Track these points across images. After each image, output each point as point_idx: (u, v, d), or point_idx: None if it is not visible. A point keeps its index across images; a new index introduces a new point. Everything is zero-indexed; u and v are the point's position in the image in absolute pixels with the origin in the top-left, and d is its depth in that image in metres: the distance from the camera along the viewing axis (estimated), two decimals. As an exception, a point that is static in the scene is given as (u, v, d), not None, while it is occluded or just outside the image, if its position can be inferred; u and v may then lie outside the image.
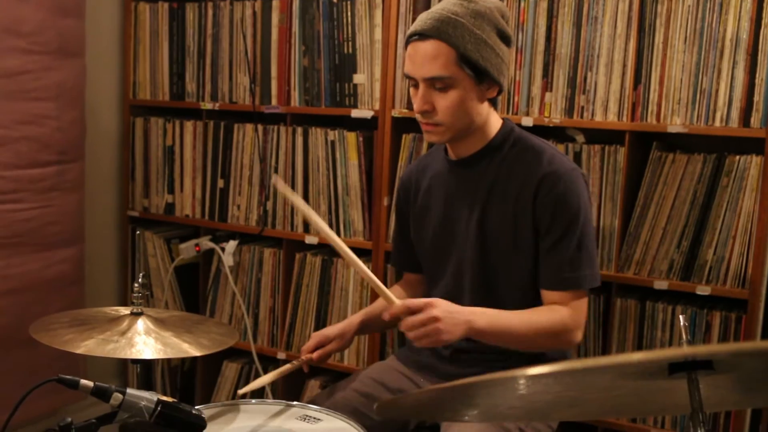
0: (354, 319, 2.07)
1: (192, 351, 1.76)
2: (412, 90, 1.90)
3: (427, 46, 1.80)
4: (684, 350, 0.94)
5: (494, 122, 1.94)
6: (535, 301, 1.90)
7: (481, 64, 1.81)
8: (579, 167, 1.91)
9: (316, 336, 2.01)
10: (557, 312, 1.83)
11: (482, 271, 1.93)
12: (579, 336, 1.85)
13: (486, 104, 1.89)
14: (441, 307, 1.68)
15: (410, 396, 1.43)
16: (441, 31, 1.79)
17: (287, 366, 1.96)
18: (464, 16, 1.80)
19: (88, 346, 1.70)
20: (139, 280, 1.88)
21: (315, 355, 1.98)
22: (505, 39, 1.87)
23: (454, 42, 1.78)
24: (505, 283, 1.92)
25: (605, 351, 2.36)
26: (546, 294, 1.87)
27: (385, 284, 2.50)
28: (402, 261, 2.20)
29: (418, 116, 1.89)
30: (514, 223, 1.88)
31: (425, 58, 1.81)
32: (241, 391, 1.81)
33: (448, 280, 1.99)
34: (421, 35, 1.81)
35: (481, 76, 1.83)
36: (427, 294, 2.08)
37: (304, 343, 2.04)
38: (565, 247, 1.83)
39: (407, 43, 1.86)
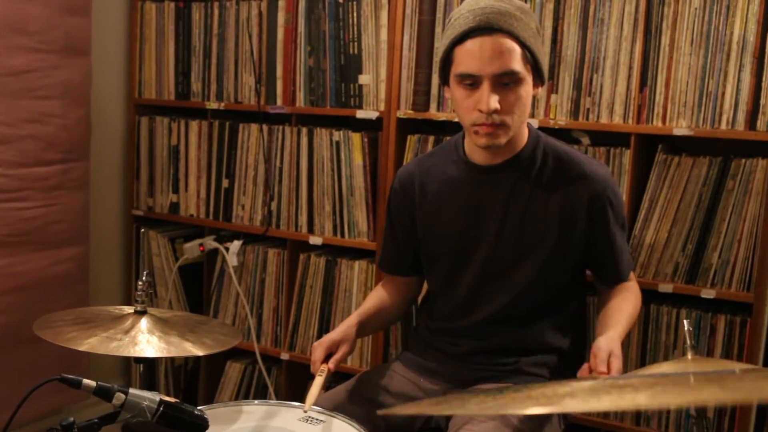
0: (351, 321, 1.98)
1: (195, 350, 1.76)
2: (463, 92, 1.79)
3: (496, 40, 1.73)
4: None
5: (525, 126, 1.91)
6: (566, 297, 1.97)
7: (539, 57, 1.80)
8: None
9: (324, 344, 1.89)
10: (634, 291, 1.99)
11: (518, 275, 1.92)
12: None
13: None
14: (614, 351, 1.69)
15: (410, 408, 1.41)
16: (508, 23, 1.73)
17: (320, 379, 1.83)
18: (515, 11, 1.76)
19: (92, 343, 1.70)
20: (143, 278, 1.87)
21: (331, 365, 1.87)
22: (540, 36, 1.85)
23: (521, 35, 1.74)
24: (541, 285, 1.92)
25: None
26: (605, 287, 2.01)
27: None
28: (391, 264, 2.14)
29: (476, 117, 1.78)
30: (558, 231, 1.89)
31: (495, 53, 1.73)
32: (307, 408, 1.71)
33: (471, 283, 1.96)
34: (485, 29, 1.73)
35: (536, 71, 1.81)
36: (435, 295, 2.07)
37: (308, 343, 2.01)
38: (624, 245, 1.98)
39: (461, 40, 1.77)
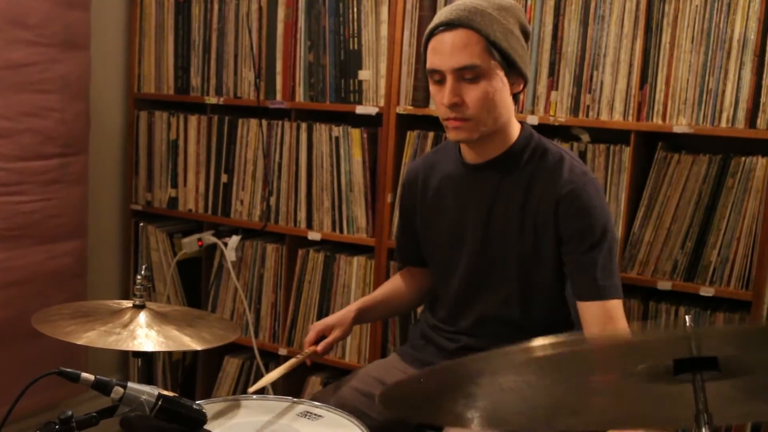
0: (351, 307, 2.06)
1: (193, 345, 1.76)
2: (434, 87, 1.84)
3: (456, 36, 1.76)
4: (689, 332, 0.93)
5: (515, 125, 1.90)
6: (554, 300, 1.90)
7: (510, 53, 1.78)
8: (594, 176, 1.89)
9: (317, 326, 2.01)
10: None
11: (503, 275, 1.92)
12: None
13: (511, 100, 1.86)
14: None
15: (411, 381, 1.40)
16: (469, 19, 1.75)
17: (293, 360, 1.94)
18: (489, 7, 1.78)
19: (90, 337, 1.69)
20: (142, 272, 1.87)
21: (320, 347, 1.97)
22: (526, 35, 1.85)
23: (484, 29, 1.75)
24: (526, 286, 1.91)
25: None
26: (583, 306, 1.82)
27: (387, 278, 2.50)
28: (406, 255, 2.19)
29: (444, 112, 1.82)
30: (534, 232, 1.87)
31: (454, 48, 1.76)
32: (252, 389, 1.78)
33: (462, 281, 1.97)
34: (449, 25, 1.77)
35: (509, 67, 1.80)
36: (434, 291, 2.08)
37: (306, 339, 2.02)
38: (596, 257, 1.80)
39: (430, 36, 1.82)
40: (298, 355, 1.97)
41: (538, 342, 0.99)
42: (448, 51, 1.77)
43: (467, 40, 1.76)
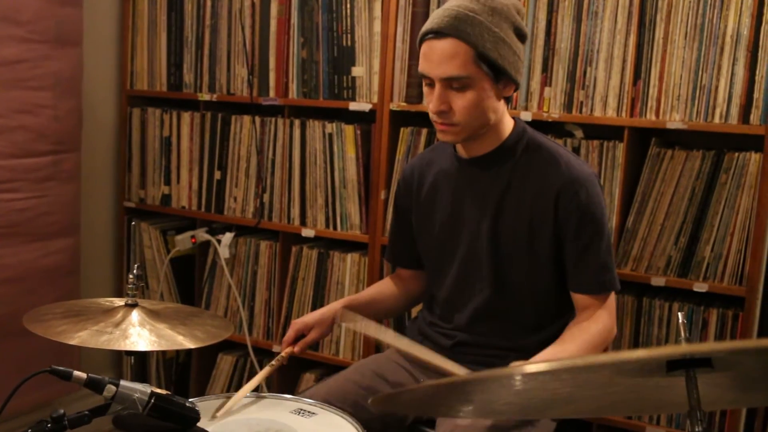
0: (334, 305, 2.05)
1: (187, 343, 1.75)
2: (426, 89, 1.85)
3: (444, 45, 1.75)
4: (683, 348, 0.93)
5: (507, 122, 1.91)
6: (548, 294, 1.91)
7: (499, 62, 1.77)
8: (592, 169, 1.90)
9: (296, 324, 2.00)
10: (600, 321, 1.85)
11: (495, 270, 1.92)
12: (616, 330, 1.91)
13: (502, 102, 1.87)
14: None
15: (405, 392, 1.42)
16: (458, 29, 1.74)
17: (268, 368, 1.91)
18: (481, 13, 1.76)
19: (82, 337, 1.69)
20: (134, 271, 1.86)
21: (297, 348, 1.97)
22: (521, 36, 1.83)
23: (473, 40, 1.74)
24: (519, 281, 1.91)
25: (601, 347, 2.35)
26: (579, 297, 1.88)
27: (381, 277, 2.51)
28: (396, 256, 2.19)
29: (433, 116, 1.84)
30: (529, 226, 1.87)
31: (442, 58, 1.76)
32: (220, 413, 1.69)
33: (456, 277, 1.98)
34: (438, 33, 1.76)
35: (499, 75, 1.80)
36: (430, 289, 2.08)
37: (285, 337, 2.02)
38: (595, 252, 1.84)
39: (422, 40, 1.81)
40: (273, 362, 1.93)
41: (532, 368, 1.01)
42: (436, 60, 1.77)
43: (455, 51, 1.75)
